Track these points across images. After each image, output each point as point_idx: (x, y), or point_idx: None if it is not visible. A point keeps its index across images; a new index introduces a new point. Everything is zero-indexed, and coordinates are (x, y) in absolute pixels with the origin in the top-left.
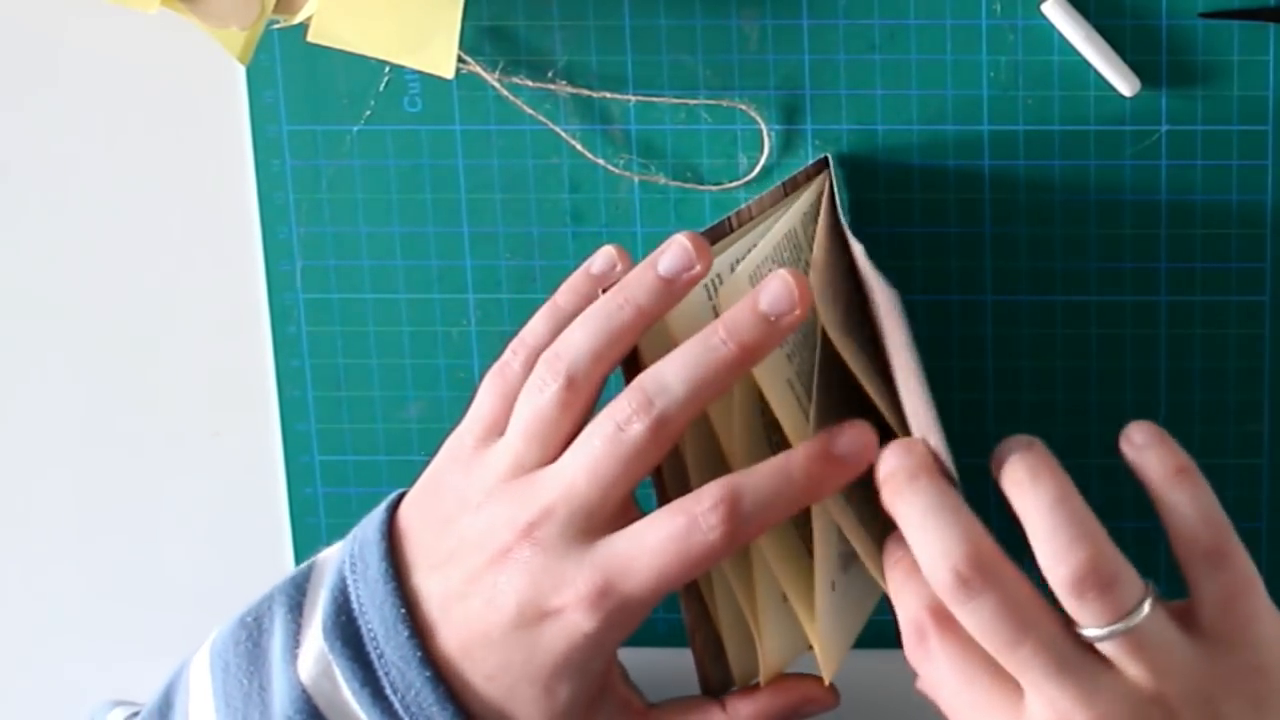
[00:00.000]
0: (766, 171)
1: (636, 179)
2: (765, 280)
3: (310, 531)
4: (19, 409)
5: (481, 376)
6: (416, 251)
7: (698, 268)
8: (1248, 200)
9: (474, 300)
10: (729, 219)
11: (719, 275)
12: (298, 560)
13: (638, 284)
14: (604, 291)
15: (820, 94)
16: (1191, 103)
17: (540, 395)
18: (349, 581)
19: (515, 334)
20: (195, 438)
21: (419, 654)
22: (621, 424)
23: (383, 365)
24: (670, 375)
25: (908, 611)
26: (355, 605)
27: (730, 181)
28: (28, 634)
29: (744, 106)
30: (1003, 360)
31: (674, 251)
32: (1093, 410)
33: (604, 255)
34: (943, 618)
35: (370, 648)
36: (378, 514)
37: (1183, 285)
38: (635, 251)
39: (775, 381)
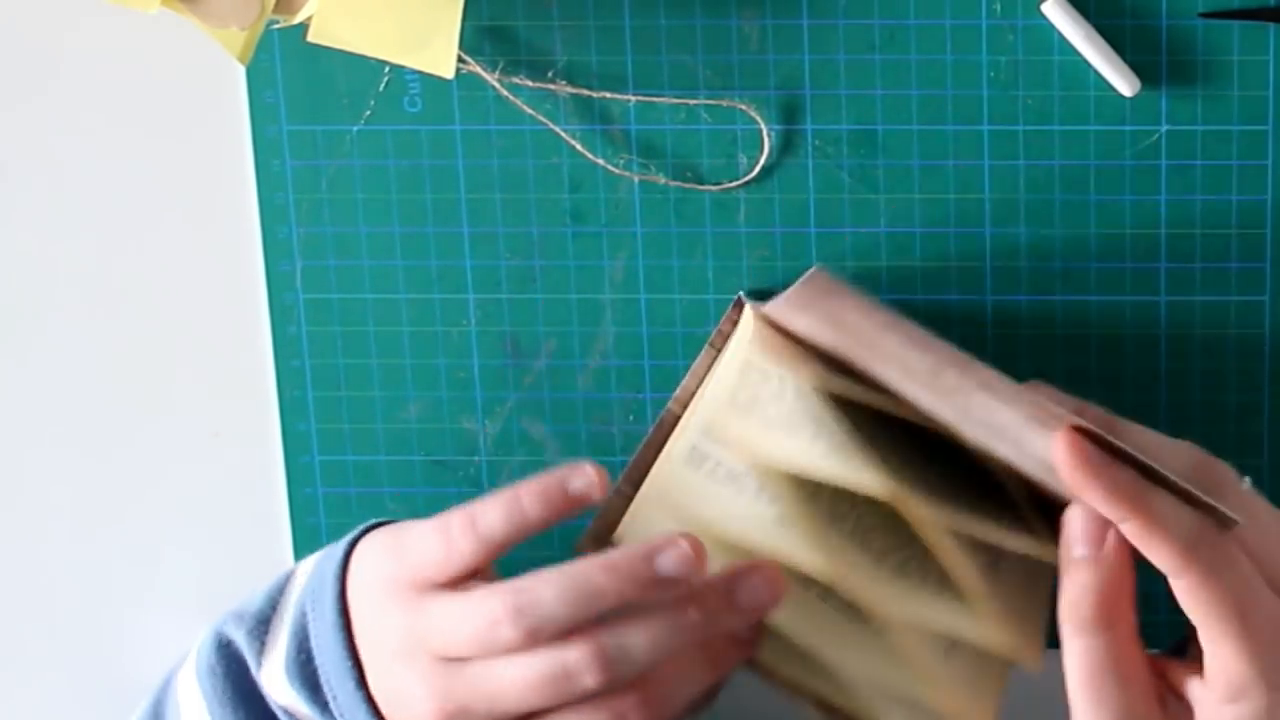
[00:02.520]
0: (766, 171)
1: (636, 179)
2: (741, 573)
3: (310, 531)
4: (19, 409)
5: (481, 376)
6: (416, 251)
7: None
8: (1248, 200)
9: (474, 300)
10: (669, 410)
11: (694, 446)
12: (297, 560)
13: (714, 609)
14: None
15: (820, 94)
16: (1191, 103)
17: (569, 680)
18: (309, 620)
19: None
20: (195, 438)
21: (365, 707)
22: (572, 672)
23: (383, 365)
24: (634, 645)
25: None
26: (314, 647)
27: (730, 181)
28: (28, 634)
29: (744, 106)
30: (1003, 360)
31: (756, 582)
32: None
33: (584, 476)
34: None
35: (326, 690)
36: (330, 583)
37: (1183, 285)
38: (635, 251)
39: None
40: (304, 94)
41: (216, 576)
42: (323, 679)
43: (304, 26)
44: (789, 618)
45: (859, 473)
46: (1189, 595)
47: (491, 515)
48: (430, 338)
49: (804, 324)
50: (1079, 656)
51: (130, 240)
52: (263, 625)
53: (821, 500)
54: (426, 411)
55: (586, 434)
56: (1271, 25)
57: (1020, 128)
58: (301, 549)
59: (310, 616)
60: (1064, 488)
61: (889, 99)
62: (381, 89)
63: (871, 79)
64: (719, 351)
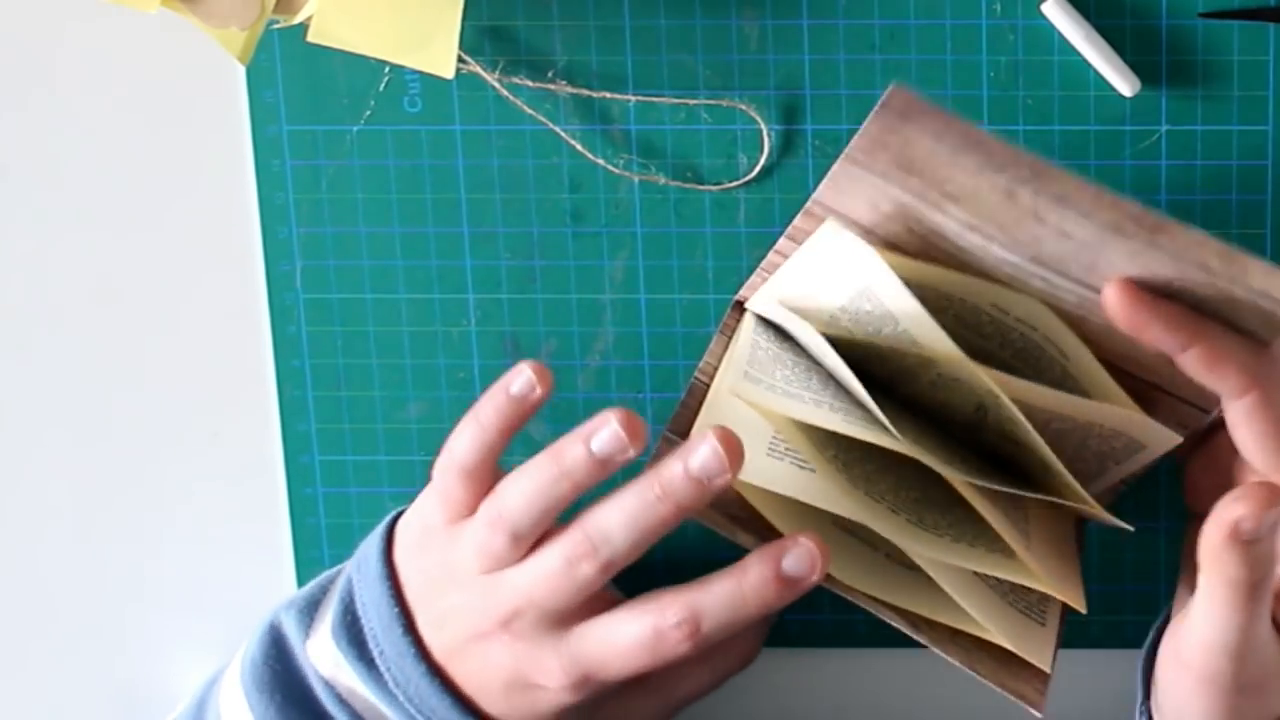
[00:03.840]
0: (766, 171)
1: (636, 179)
2: (694, 443)
3: (310, 531)
4: (19, 409)
5: (481, 376)
6: (416, 251)
7: (728, 475)
8: (1248, 200)
9: (474, 300)
10: (696, 380)
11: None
12: (297, 560)
13: (674, 482)
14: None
15: (820, 94)
16: (1191, 103)
17: (570, 568)
18: (355, 583)
19: (470, 409)
20: (195, 438)
21: (413, 650)
22: (571, 560)
23: (383, 365)
24: (613, 526)
25: None
26: (360, 605)
27: (730, 181)
28: (28, 634)
29: (744, 106)
30: None
31: (703, 453)
32: None
33: (523, 377)
34: None
35: (371, 644)
36: (375, 542)
37: None
38: (635, 251)
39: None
40: (304, 94)
41: (216, 576)
42: (368, 634)
43: (304, 26)
44: (843, 569)
45: (871, 429)
46: (1250, 414)
47: (461, 443)
48: (430, 338)
49: (864, 193)
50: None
51: (130, 240)
52: (312, 606)
53: (853, 463)
54: (426, 411)
55: None
56: (1271, 25)
57: (1020, 128)
58: (301, 549)
59: (356, 579)
60: (1113, 322)
61: None
62: (381, 89)
63: (871, 79)
64: (729, 338)
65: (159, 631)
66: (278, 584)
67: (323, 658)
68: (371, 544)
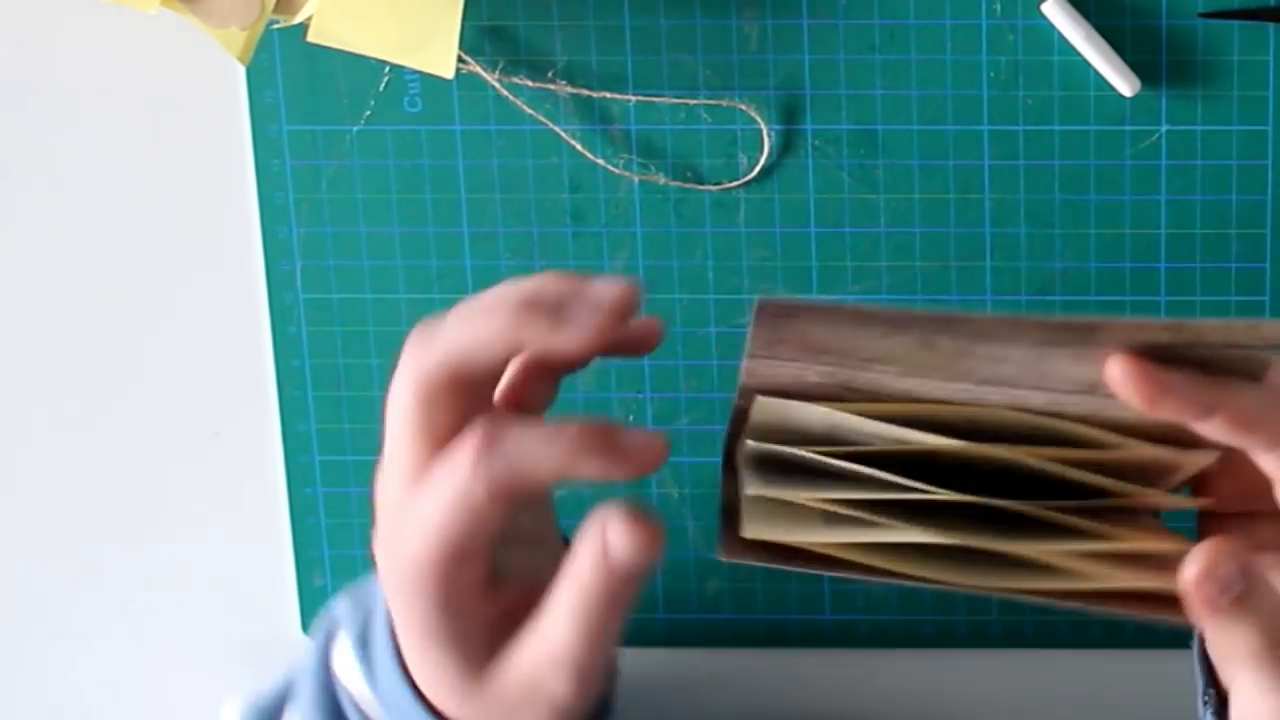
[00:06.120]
0: (766, 171)
1: (636, 179)
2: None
3: (310, 531)
4: (19, 409)
5: None
6: (416, 251)
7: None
8: (1248, 200)
9: None
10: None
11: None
12: (297, 560)
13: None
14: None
15: (820, 94)
16: (1191, 103)
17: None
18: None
19: None
20: (195, 438)
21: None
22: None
23: (383, 365)
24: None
25: None
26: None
27: (730, 181)
28: (28, 634)
29: (744, 106)
30: None
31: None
32: None
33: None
34: None
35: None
36: None
37: (1183, 285)
38: (635, 251)
39: None
40: (304, 94)
41: (216, 576)
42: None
43: (304, 26)
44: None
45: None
46: None
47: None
48: None
49: (786, 372)
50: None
51: (130, 240)
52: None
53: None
54: None
55: None
56: (1271, 25)
57: (1020, 128)
58: (301, 549)
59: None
60: (1124, 400)
61: (889, 99)
62: (381, 89)
63: (871, 79)
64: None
65: (159, 631)
66: (278, 584)
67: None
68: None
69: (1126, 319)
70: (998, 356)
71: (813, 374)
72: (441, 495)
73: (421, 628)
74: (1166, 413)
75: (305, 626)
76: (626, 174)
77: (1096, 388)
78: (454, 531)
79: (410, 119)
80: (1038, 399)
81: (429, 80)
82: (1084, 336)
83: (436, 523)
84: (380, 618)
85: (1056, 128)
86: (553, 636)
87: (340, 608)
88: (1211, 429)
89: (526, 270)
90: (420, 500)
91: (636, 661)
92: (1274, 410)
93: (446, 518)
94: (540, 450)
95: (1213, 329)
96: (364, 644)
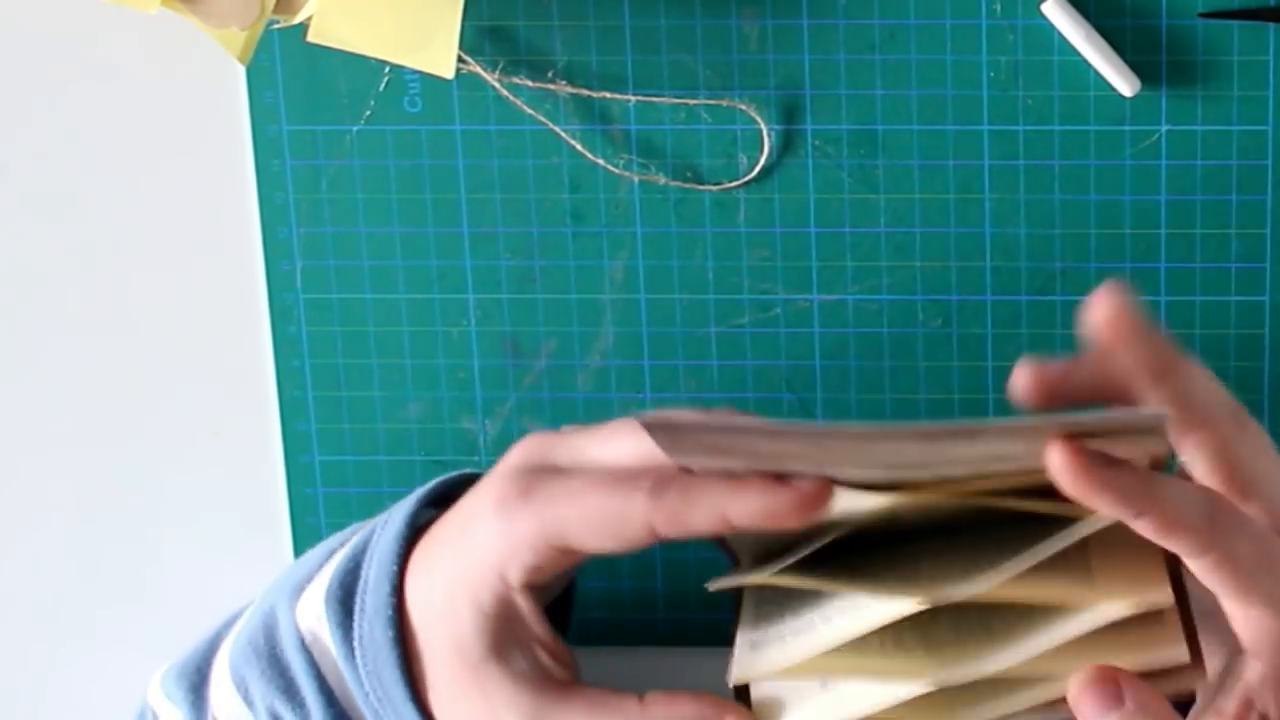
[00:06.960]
0: (766, 171)
1: (636, 179)
2: None
3: (310, 531)
4: (19, 409)
5: (481, 376)
6: (416, 251)
7: None
8: (1248, 200)
9: (474, 300)
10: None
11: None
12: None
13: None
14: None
15: (820, 94)
16: (1191, 103)
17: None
18: (376, 532)
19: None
20: (195, 438)
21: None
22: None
23: (383, 365)
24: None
25: None
26: (368, 558)
27: (730, 181)
28: (28, 634)
29: (744, 106)
30: (1002, 360)
31: None
32: None
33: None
34: None
35: (357, 600)
36: (412, 502)
37: (1183, 285)
38: (635, 251)
39: None
40: (304, 94)
41: (216, 576)
42: (359, 589)
43: (304, 26)
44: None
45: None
46: (1213, 571)
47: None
48: (430, 338)
49: (715, 466)
50: None
51: (131, 240)
52: (307, 581)
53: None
54: (426, 411)
55: None
56: (1271, 25)
57: (1020, 128)
58: (301, 549)
59: (379, 527)
60: (1061, 488)
61: (889, 99)
62: (381, 89)
63: (871, 79)
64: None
65: (159, 631)
66: None
67: (308, 611)
68: (409, 503)
69: (1001, 421)
70: (896, 449)
71: (735, 464)
72: (612, 491)
73: (471, 589)
74: (1100, 508)
75: None
76: (626, 174)
77: (1006, 458)
78: (589, 525)
79: (410, 119)
80: (958, 470)
81: (429, 80)
82: (969, 436)
83: (586, 506)
84: (378, 571)
85: (1056, 128)
86: None
87: (314, 559)
88: (1142, 528)
89: (526, 270)
90: (593, 485)
91: (636, 661)
92: (1199, 518)
93: (597, 509)
94: (715, 500)
95: (1099, 422)
96: (346, 592)
